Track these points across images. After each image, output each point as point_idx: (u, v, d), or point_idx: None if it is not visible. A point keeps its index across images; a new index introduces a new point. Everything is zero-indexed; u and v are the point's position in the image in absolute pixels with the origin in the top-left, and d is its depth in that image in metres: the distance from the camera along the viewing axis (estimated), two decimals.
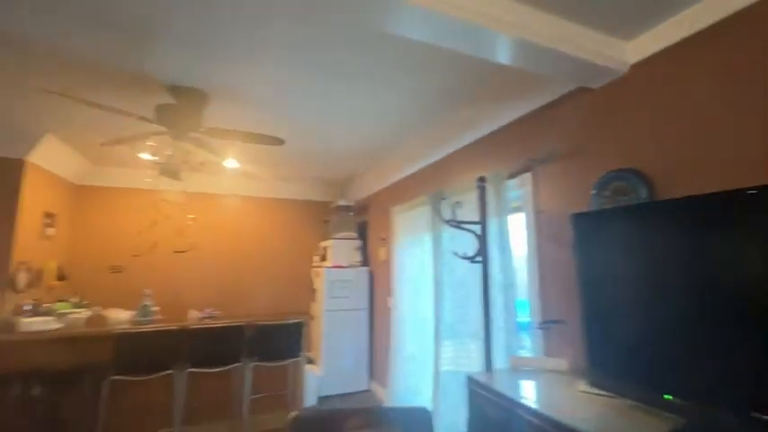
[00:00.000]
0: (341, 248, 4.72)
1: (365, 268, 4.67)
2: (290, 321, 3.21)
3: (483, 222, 2.14)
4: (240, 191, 4.98)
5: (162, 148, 2.49)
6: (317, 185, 5.29)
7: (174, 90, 2.45)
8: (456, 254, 2.10)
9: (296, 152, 3.83)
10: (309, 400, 3.71)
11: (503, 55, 1.74)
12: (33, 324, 2.82)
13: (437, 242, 2.93)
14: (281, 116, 2.93)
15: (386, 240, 4.31)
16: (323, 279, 4.49)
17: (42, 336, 2.80)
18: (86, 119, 2.97)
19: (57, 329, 2.89)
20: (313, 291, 4.90)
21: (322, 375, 4.09)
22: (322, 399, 4.03)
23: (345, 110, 2.85)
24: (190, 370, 2.92)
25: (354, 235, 4.84)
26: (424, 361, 3.19)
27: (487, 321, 2.06)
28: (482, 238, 2.09)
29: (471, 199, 2.44)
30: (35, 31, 1.89)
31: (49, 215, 3.80)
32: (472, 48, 1.70)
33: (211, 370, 2.96)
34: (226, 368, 3.00)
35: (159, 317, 3.45)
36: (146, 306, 3.27)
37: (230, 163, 3.35)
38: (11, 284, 3.23)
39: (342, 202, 4.83)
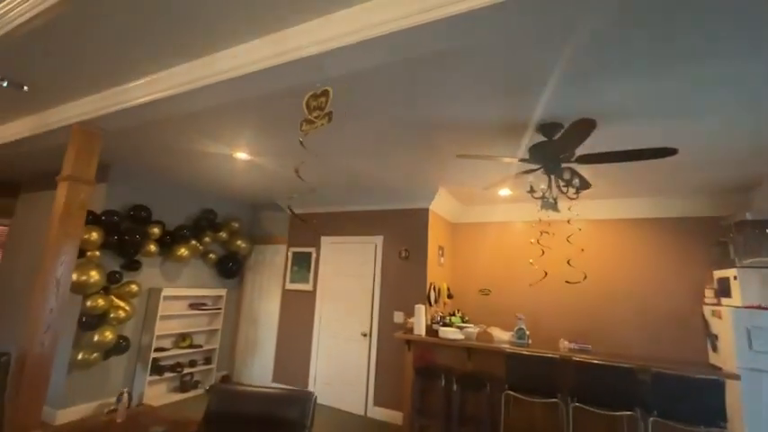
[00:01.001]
0: (755, 281, 3.34)
1: None
2: (707, 377, 2.49)
3: None
4: (595, 215, 4.63)
5: (538, 183, 2.68)
6: (699, 198, 4.08)
7: (544, 128, 2.60)
8: None
9: (670, 161, 3.12)
10: None
11: None
12: (447, 332, 3.69)
13: None
14: (657, 123, 2.47)
15: None
16: (729, 323, 3.31)
17: (452, 342, 3.61)
18: (463, 170, 3.72)
19: (461, 339, 3.64)
20: (712, 336, 3.70)
21: None
22: None
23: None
24: (575, 404, 2.85)
25: None
26: None
27: None
28: None
29: None
30: (450, 114, 2.55)
31: (440, 248, 5.02)
32: None
33: (598, 411, 2.76)
34: (615, 413, 2.71)
35: (530, 341, 3.65)
36: (521, 329, 3.55)
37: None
38: (428, 299, 4.45)
39: (750, 216, 3.45)
